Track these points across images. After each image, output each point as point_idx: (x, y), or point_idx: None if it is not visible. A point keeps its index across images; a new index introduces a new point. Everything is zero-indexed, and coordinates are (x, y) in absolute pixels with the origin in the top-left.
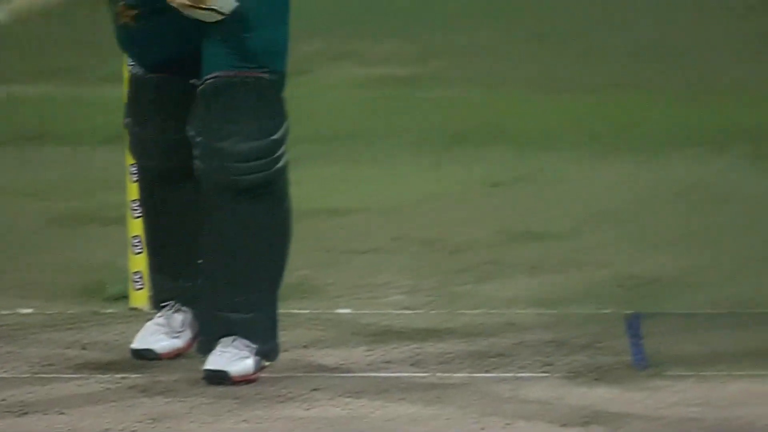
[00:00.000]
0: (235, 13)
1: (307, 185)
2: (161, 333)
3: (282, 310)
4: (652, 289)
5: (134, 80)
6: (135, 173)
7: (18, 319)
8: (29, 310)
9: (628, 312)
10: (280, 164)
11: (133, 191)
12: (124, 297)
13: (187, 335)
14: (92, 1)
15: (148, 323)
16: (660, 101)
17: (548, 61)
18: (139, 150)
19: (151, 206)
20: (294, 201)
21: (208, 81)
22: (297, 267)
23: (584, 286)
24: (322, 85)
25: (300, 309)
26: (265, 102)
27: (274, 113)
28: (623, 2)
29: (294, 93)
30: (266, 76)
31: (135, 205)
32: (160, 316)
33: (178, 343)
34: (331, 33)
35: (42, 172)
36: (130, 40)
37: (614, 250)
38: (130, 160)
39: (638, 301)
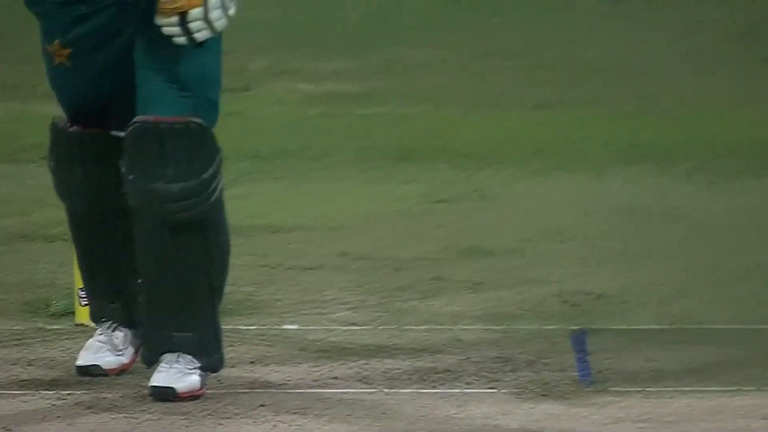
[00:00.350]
0: (167, 42)
1: (252, 201)
2: (105, 350)
3: (228, 326)
4: (596, 305)
5: (56, 132)
6: None
7: None
8: None
9: (574, 328)
10: (215, 197)
11: None
12: (69, 313)
13: (130, 351)
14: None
15: (90, 341)
16: (603, 118)
17: (492, 79)
18: (63, 193)
19: (80, 240)
20: (239, 217)
21: (137, 125)
22: (243, 283)
23: (529, 302)
24: (266, 101)
25: (246, 325)
26: (195, 145)
27: (205, 152)
28: (566, 20)
29: (238, 109)
30: (196, 120)
31: None
32: (100, 334)
33: (122, 359)
34: (275, 50)
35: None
36: (65, 82)
37: (558, 266)
38: None
39: (583, 317)
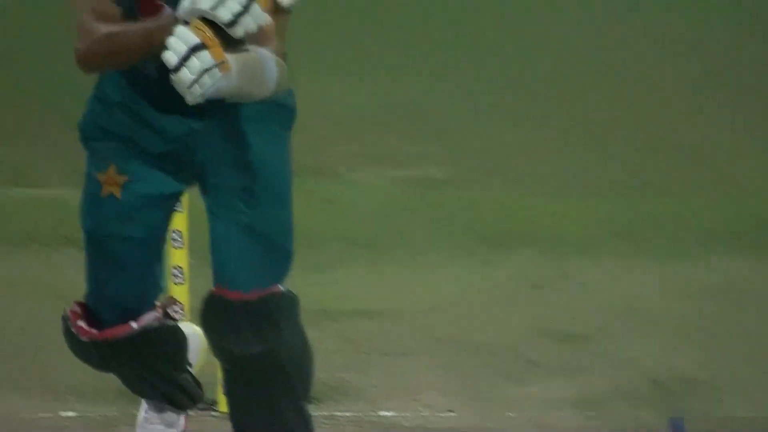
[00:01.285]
0: (242, 191)
1: (344, 286)
2: (160, 428)
3: (322, 412)
4: (689, 390)
5: (69, 335)
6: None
7: (59, 422)
8: (71, 414)
9: (673, 417)
10: (296, 338)
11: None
12: None
13: (181, 421)
14: None
15: (143, 422)
16: (686, 200)
17: (576, 159)
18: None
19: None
20: (331, 302)
21: (210, 298)
22: (336, 369)
23: (621, 386)
24: (356, 186)
25: (341, 411)
26: (271, 312)
27: (282, 312)
28: (645, 99)
29: (329, 195)
30: (269, 291)
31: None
32: (149, 411)
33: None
34: (364, 135)
35: (67, 273)
36: (109, 217)
37: (649, 350)
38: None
39: (676, 402)
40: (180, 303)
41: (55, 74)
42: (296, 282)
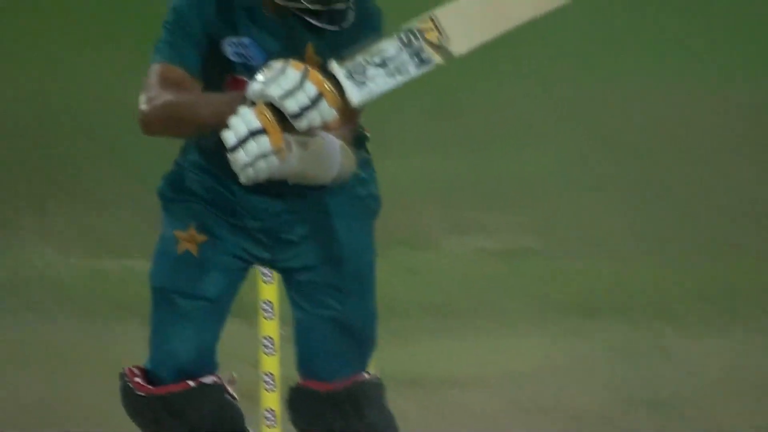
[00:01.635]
0: (330, 287)
1: (430, 355)
2: None
3: None
4: None
5: (127, 392)
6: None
7: None
8: None
9: None
10: (384, 415)
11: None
12: None
13: None
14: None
15: None
16: None
17: (665, 227)
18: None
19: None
20: (417, 371)
21: (295, 390)
22: None
23: None
24: (442, 256)
25: None
26: (358, 400)
27: (370, 399)
28: (741, 164)
29: (414, 265)
30: (356, 379)
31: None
32: None
33: None
34: (451, 205)
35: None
36: (183, 273)
37: (743, 420)
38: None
39: None
40: (271, 373)
41: (140, 146)
42: (382, 350)
